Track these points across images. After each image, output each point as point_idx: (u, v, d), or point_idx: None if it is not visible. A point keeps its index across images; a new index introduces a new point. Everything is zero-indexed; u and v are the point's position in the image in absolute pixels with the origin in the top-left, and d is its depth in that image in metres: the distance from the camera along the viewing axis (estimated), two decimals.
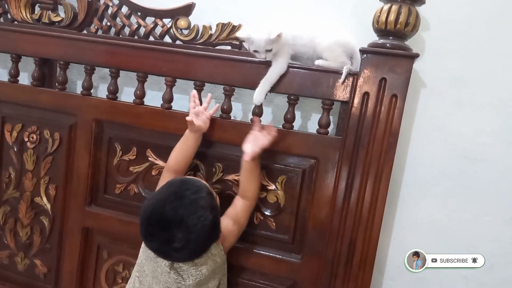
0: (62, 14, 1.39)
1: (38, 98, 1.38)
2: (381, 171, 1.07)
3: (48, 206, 1.43)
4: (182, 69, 1.23)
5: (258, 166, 1.13)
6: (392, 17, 1.01)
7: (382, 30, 1.04)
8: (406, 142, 1.24)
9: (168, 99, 1.26)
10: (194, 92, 1.20)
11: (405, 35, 1.04)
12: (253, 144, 1.09)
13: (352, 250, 1.11)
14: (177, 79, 1.26)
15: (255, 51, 1.08)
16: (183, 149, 1.17)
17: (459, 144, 1.23)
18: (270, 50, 1.06)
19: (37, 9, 1.42)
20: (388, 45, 1.04)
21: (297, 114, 1.31)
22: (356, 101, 1.07)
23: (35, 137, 1.42)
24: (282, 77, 1.13)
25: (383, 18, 1.02)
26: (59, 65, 1.36)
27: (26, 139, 1.43)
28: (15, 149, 1.44)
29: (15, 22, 1.43)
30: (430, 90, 1.21)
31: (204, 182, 1.05)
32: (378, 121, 1.06)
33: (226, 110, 1.21)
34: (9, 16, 1.44)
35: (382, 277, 1.32)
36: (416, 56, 1.02)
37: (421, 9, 1.05)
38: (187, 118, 1.13)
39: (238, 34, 1.09)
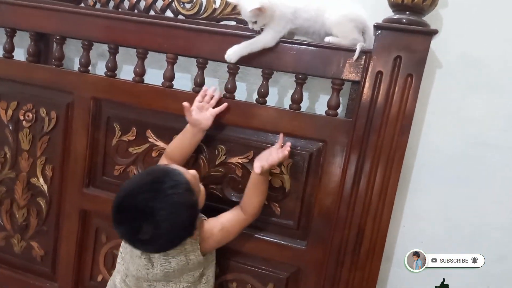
0: None
1: (34, 75, 1.32)
2: (393, 156, 1.01)
3: (45, 187, 1.38)
4: (183, 45, 1.16)
5: (265, 182, 1.07)
6: None
7: (398, 4, 0.97)
8: (419, 125, 1.18)
9: (169, 77, 1.20)
10: (206, 87, 1.13)
11: (423, 10, 0.97)
12: (265, 160, 1.03)
13: (360, 238, 1.06)
14: (178, 57, 1.20)
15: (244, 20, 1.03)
16: (181, 140, 1.12)
17: (473, 129, 1.17)
18: (255, 22, 1.00)
19: None
20: (404, 20, 0.97)
21: (305, 95, 1.25)
22: (368, 81, 1.00)
23: (31, 115, 1.36)
24: (288, 55, 1.07)
25: None
26: (55, 40, 1.30)
27: (21, 118, 1.37)
28: (11, 128, 1.39)
29: None
30: (446, 71, 1.15)
31: (187, 176, 0.95)
32: (391, 102, 0.99)
33: (230, 90, 1.15)
34: None
35: (390, 265, 1.28)
36: (434, 32, 0.95)
37: None
38: (183, 103, 1.07)
39: None
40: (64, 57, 1.32)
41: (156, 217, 0.87)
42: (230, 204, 1.18)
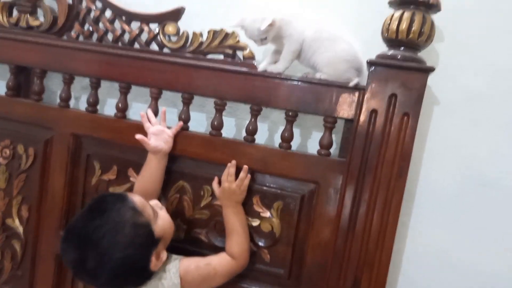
0: (42, 18, 1.27)
1: (12, 109, 1.26)
2: (391, 200, 0.93)
3: (21, 229, 1.29)
4: (168, 79, 1.10)
5: (237, 215, 1.02)
6: (404, 25, 0.89)
7: (392, 40, 0.92)
8: (417, 164, 1.11)
9: (153, 113, 1.13)
10: (142, 112, 1.09)
11: (418, 45, 0.92)
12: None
13: None
14: (167, 91, 1.14)
15: (250, 39, 0.98)
16: (148, 172, 1.07)
17: (474, 168, 1.09)
18: (265, 38, 0.96)
19: (15, 12, 1.30)
20: (399, 56, 0.91)
21: (296, 131, 1.18)
22: (363, 119, 0.94)
23: (8, 152, 1.29)
24: (279, 90, 1.01)
25: (393, 26, 0.90)
26: (35, 74, 1.24)
27: None
28: None
29: None
30: (444, 108, 1.09)
31: (131, 197, 0.91)
32: (387, 142, 0.93)
33: (216, 127, 1.09)
34: None
35: None
36: (431, 70, 0.90)
37: (434, 18, 0.94)
38: (136, 136, 1.03)
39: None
40: (44, 91, 1.26)
41: (96, 239, 0.83)
42: (216, 250, 1.09)
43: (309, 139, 1.19)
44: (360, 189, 0.95)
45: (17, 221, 1.29)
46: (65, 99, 1.22)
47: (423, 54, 0.98)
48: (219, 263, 0.99)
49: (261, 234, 1.07)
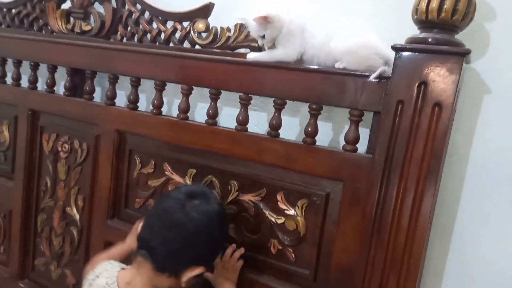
0: (93, 23, 1.37)
1: (68, 108, 1.38)
2: (420, 202, 0.83)
3: (77, 216, 1.42)
4: (196, 75, 1.12)
5: None
6: (434, 3, 0.78)
7: (423, 21, 0.82)
8: (463, 163, 0.98)
9: (183, 109, 1.16)
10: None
11: (455, 26, 0.80)
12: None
13: None
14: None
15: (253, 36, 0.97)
16: (124, 250, 1.13)
17: None
18: (263, 37, 0.92)
19: (71, 19, 1.43)
20: (430, 39, 0.81)
21: (328, 126, 1.13)
22: (388, 111, 0.85)
23: (67, 146, 1.42)
24: (301, 83, 0.96)
25: (423, 5, 0.80)
26: (86, 75, 1.35)
27: (59, 149, 1.44)
28: (51, 159, 1.46)
29: (54, 33, 1.46)
30: (496, 97, 0.94)
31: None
32: (416, 137, 0.82)
33: (242, 121, 1.07)
34: (49, 27, 1.47)
35: None
36: (466, 53, 0.78)
37: None
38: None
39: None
40: (94, 90, 1.36)
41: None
42: (242, 246, 1.08)
43: (341, 134, 1.11)
44: (385, 189, 0.86)
45: (74, 210, 1.42)
46: (110, 97, 1.30)
47: (467, 36, 0.86)
48: None
49: (286, 232, 1.04)
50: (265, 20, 0.91)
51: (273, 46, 0.97)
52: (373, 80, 0.86)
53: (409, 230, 0.85)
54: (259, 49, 1.07)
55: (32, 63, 1.48)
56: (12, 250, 1.56)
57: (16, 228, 1.54)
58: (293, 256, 1.03)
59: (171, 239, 0.90)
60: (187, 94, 1.16)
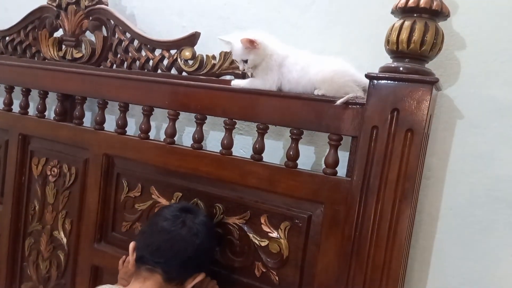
0: (84, 51, 1.41)
1: (58, 132, 1.41)
2: (396, 223, 0.86)
3: (64, 240, 1.42)
4: (182, 101, 1.15)
5: None
6: (404, 35, 0.83)
7: (394, 51, 0.86)
8: (439, 186, 1.01)
9: (170, 134, 1.19)
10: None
11: (424, 56, 0.85)
12: None
13: None
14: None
15: (235, 60, 1.01)
16: None
17: (503, 189, 0.95)
18: (246, 61, 0.96)
19: (63, 46, 1.47)
20: (401, 68, 0.85)
21: (310, 149, 1.17)
22: (363, 136, 0.89)
23: (56, 170, 1.44)
24: (284, 109, 1.00)
25: (394, 37, 0.85)
26: (76, 100, 1.38)
27: (48, 173, 1.46)
28: (40, 182, 1.48)
29: (46, 60, 1.50)
30: (468, 122, 0.98)
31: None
32: (390, 161, 0.86)
33: (226, 145, 1.10)
34: (41, 54, 1.51)
35: None
36: (435, 81, 0.82)
37: (452, 24, 0.86)
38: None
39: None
40: (84, 115, 1.39)
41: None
42: (227, 268, 1.10)
43: (323, 157, 1.14)
44: (363, 211, 0.89)
45: (62, 233, 1.42)
46: (99, 122, 1.33)
47: (438, 65, 0.91)
48: None
49: (270, 255, 1.05)
50: (251, 45, 0.95)
51: (253, 72, 1.01)
52: (340, 104, 0.91)
53: (387, 250, 0.87)
54: (243, 76, 1.11)
55: (24, 89, 1.52)
56: None
57: (4, 252, 1.54)
58: (277, 279, 1.05)
59: (182, 252, 0.96)
60: (174, 119, 1.19)
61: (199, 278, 0.99)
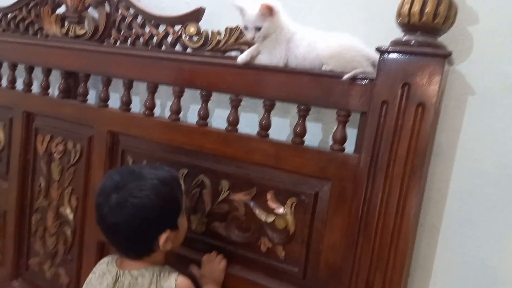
0: (87, 27, 1.39)
1: (62, 110, 1.40)
2: (405, 200, 0.85)
3: (71, 216, 1.43)
4: (187, 77, 1.14)
5: None
6: (416, 7, 0.81)
7: (405, 24, 0.84)
8: (449, 163, 1.00)
9: (175, 110, 1.18)
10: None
11: (436, 29, 0.83)
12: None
13: None
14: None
15: (245, 27, 0.97)
16: None
17: None
18: (259, 29, 0.94)
19: (66, 23, 1.45)
20: (412, 42, 0.83)
21: (317, 126, 1.15)
22: (373, 111, 0.87)
23: (61, 147, 1.44)
24: (290, 85, 0.98)
25: (406, 9, 0.82)
26: (80, 77, 1.37)
27: (53, 150, 1.46)
28: (45, 160, 1.48)
29: (49, 37, 1.47)
30: (480, 98, 0.96)
31: (181, 192, 1.01)
32: (400, 137, 0.85)
33: (232, 122, 1.09)
34: (44, 31, 1.49)
35: None
36: (447, 54, 0.80)
37: None
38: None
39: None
40: (88, 93, 1.38)
41: (128, 189, 0.92)
42: (233, 244, 1.11)
43: (330, 134, 1.13)
44: (371, 188, 0.89)
45: (68, 210, 1.43)
46: (104, 99, 1.32)
47: (451, 39, 0.89)
48: None
49: (276, 231, 1.05)
50: (269, 12, 0.92)
51: (260, 45, 0.99)
52: (347, 79, 0.89)
53: (395, 228, 0.87)
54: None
55: (27, 66, 1.50)
56: (7, 250, 1.57)
57: (11, 229, 1.56)
58: (283, 254, 1.05)
59: (122, 231, 0.95)
60: (179, 95, 1.18)
61: (164, 237, 0.95)
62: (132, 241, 0.96)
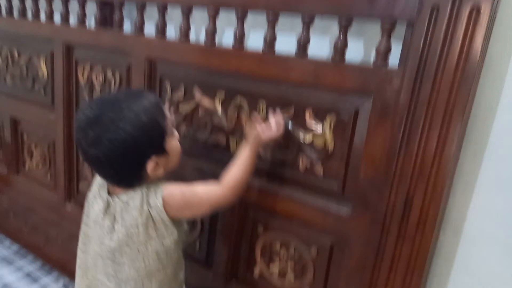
0: None
1: (100, 39, 1.41)
2: (451, 112, 0.82)
3: None
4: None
5: (251, 158, 1.03)
6: None
7: None
8: (501, 75, 0.94)
9: (210, 32, 1.16)
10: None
11: None
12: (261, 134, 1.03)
13: (408, 207, 0.91)
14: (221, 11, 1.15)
15: None
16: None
17: None
18: None
19: None
20: None
21: (359, 43, 1.11)
22: (422, 18, 0.82)
23: (101, 77, 1.47)
24: None
25: None
26: (116, 4, 1.36)
27: (94, 80, 1.49)
28: (87, 90, 1.52)
29: None
30: None
31: (163, 115, 0.96)
32: (450, 44, 0.80)
33: (269, 41, 1.06)
34: None
35: (458, 239, 1.08)
36: None
37: None
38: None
39: None
40: (123, 20, 1.38)
41: (104, 122, 0.88)
42: (271, 163, 1.13)
43: (372, 51, 1.09)
44: (416, 100, 0.86)
45: None
46: (139, 26, 1.32)
47: None
48: (204, 191, 0.99)
49: (314, 149, 1.06)
50: None
51: None
52: None
53: (439, 142, 0.85)
54: None
55: None
56: (58, 176, 1.69)
57: (60, 157, 1.65)
58: (321, 171, 1.06)
59: (105, 163, 0.92)
60: (213, 16, 1.15)
61: (151, 164, 0.93)
62: (118, 173, 0.93)
